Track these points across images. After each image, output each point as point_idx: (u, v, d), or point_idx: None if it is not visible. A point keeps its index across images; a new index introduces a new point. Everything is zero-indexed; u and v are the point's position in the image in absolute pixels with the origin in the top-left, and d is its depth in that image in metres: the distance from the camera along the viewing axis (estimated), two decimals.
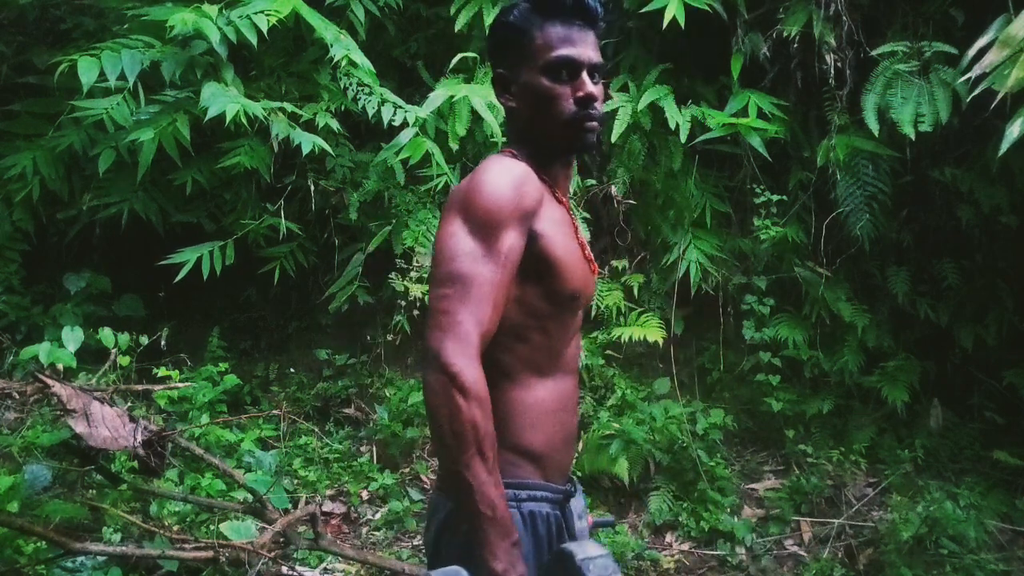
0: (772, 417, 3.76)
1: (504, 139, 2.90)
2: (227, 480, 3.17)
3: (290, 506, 3.15)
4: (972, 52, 3.20)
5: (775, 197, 3.80)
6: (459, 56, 3.66)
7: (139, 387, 3.54)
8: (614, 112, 3.76)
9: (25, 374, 3.51)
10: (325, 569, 3.13)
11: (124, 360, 3.32)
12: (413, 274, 3.72)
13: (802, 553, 3.34)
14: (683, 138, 3.68)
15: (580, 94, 1.31)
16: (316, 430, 3.97)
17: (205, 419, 3.60)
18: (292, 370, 4.43)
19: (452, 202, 1.26)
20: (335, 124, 3.56)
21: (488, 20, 3.61)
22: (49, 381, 2.61)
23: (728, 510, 3.44)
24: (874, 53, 3.56)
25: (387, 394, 4.04)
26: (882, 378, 3.74)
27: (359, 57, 3.48)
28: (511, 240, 1.21)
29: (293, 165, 3.86)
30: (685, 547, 3.39)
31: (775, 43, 3.78)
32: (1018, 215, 3.58)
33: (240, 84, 3.45)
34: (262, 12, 3.23)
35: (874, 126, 3.44)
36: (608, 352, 3.98)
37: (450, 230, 1.21)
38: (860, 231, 3.62)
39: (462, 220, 1.22)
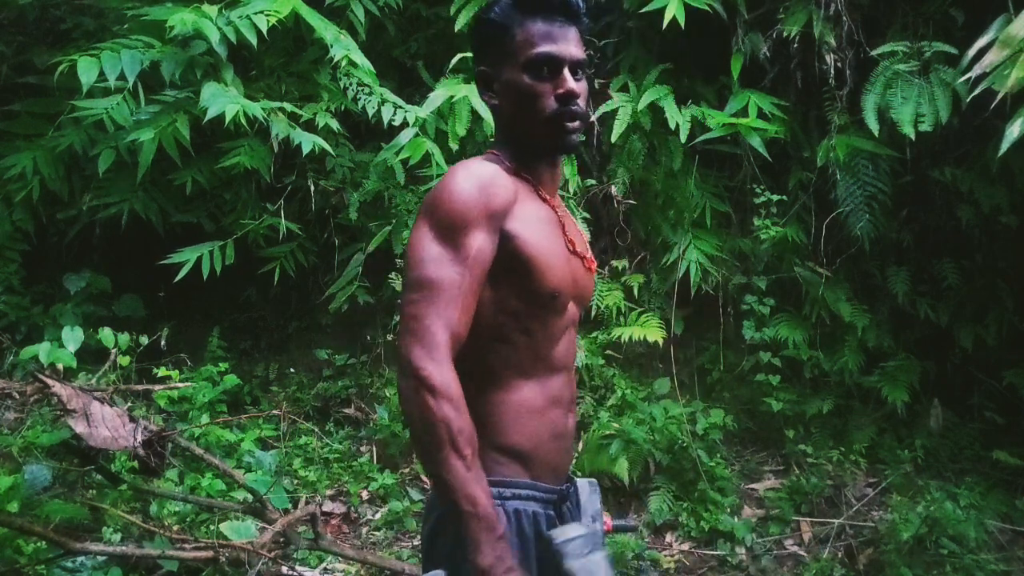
0: (772, 417, 3.76)
1: None
2: (227, 480, 3.17)
3: (290, 506, 3.16)
4: (972, 52, 3.20)
5: (775, 197, 3.79)
6: (459, 56, 3.66)
7: (139, 387, 3.54)
8: (614, 112, 3.76)
9: (25, 374, 3.51)
10: (325, 569, 3.13)
11: (124, 360, 3.32)
12: None
13: (802, 553, 3.34)
14: (683, 138, 3.68)
15: (561, 91, 1.30)
16: (316, 430, 3.97)
17: (205, 419, 3.60)
18: (292, 370, 4.43)
19: (422, 207, 1.27)
20: (335, 124, 3.56)
21: None
22: (49, 381, 2.61)
23: (728, 510, 3.44)
24: (874, 53, 3.56)
25: (387, 394, 4.04)
26: (882, 378, 3.74)
27: (359, 57, 3.47)
28: (478, 242, 1.21)
29: (293, 165, 3.86)
30: (685, 547, 3.39)
31: (775, 43, 3.78)
32: (1018, 215, 3.58)
33: (240, 84, 3.44)
34: (262, 12, 3.23)
35: (874, 126, 3.44)
36: (608, 352, 3.98)
37: (417, 235, 1.22)
38: (860, 231, 3.62)
39: (429, 225, 1.22)
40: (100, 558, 2.68)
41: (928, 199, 3.83)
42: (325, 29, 3.40)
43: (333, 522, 3.53)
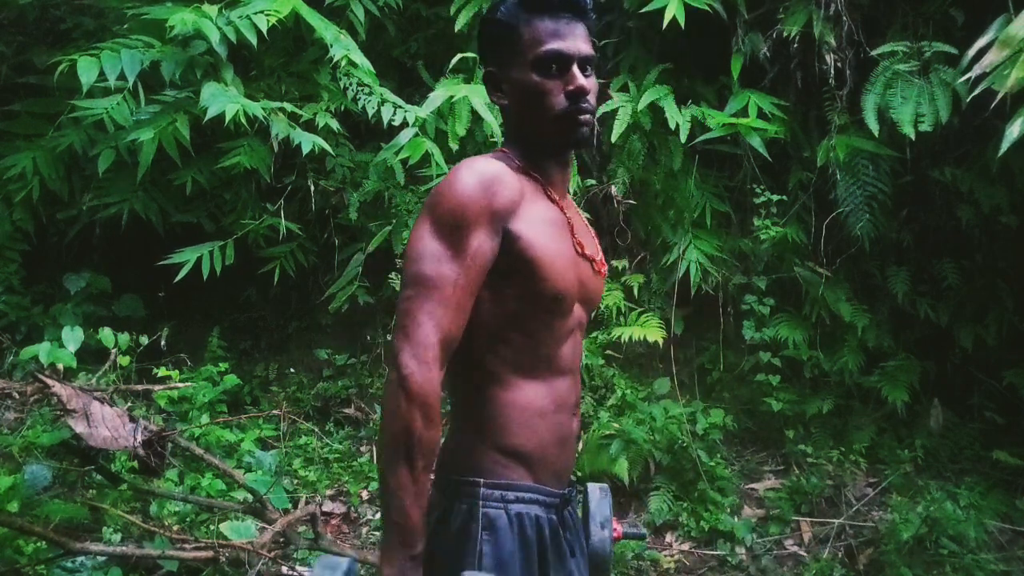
0: (772, 417, 3.76)
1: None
2: (227, 480, 3.17)
3: (290, 506, 3.16)
4: (972, 52, 3.20)
5: (775, 197, 3.79)
6: (459, 56, 3.66)
7: (139, 387, 3.54)
8: (614, 112, 3.76)
9: (25, 374, 3.51)
10: None
11: (124, 360, 3.32)
12: None
13: (802, 553, 3.34)
14: (683, 138, 3.68)
15: (571, 87, 1.29)
16: (316, 430, 3.97)
17: (205, 419, 3.60)
18: (292, 370, 4.43)
19: (425, 204, 1.25)
20: (335, 124, 3.56)
21: None
22: (49, 381, 2.61)
23: (728, 510, 3.44)
24: (874, 53, 3.56)
25: None
26: (882, 378, 3.74)
27: (359, 57, 3.47)
28: (479, 241, 1.19)
29: (293, 165, 3.86)
30: (685, 547, 3.39)
31: (775, 43, 3.78)
32: (1018, 215, 3.58)
33: (240, 84, 3.44)
34: (262, 12, 3.23)
35: (874, 126, 3.44)
36: (608, 352, 3.98)
37: (418, 232, 1.21)
38: (860, 231, 3.62)
39: (430, 221, 1.21)
40: (100, 558, 2.68)
41: (928, 199, 3.83)
42: (325, 29, 3.40)
43: (333, 522, 3.53)
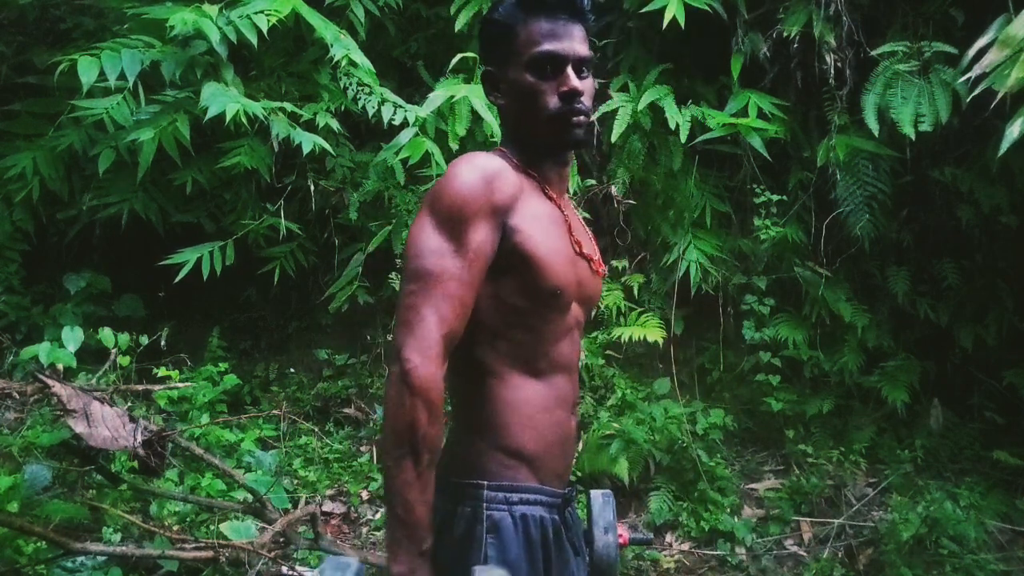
0: (772, 417, 3.76)
1: None
2: (227, 480, 3.17)
3: (290, 506, 3.16)
4: (972, 52, 3.20)
5: (775, 197, 3.79)
6: (459, 56, 3.66)
7: (139, 387, 3.54)
8: (614, 112, 3.76)
9: (25, 374, 3.51)
10: None
11: (124, 360, 3.32)
12: None
13: (802, 553, 3.34)
14: (683, 138, 3.68)
15: (564, 89, 1.29)
16: (316, 430, 3.97)
17: (205, 419, 3.60)
18: (292, 370, 4.43)
19: (425, 199, 1.26)
20: (335, 124, 3.56)
21: None
22: (49, 381, 2.61)
23: (728, 510, 3.44)
24: (874, 53, 3.56)
25: None
26: (882, 378, 3.74)
27: (359, 57, 3.47)
28: (480, 235, 1.20)
29: (293, 165, 3.85)
30: (685, 547, 3.39)
31: (775, 43, 3.78)
32: (1018, 215, 3.58)
33: (240, 84, 3.44)
34: (262, 12, 3.22)
35: (874, 126, 3.44)
36: (608, 352, 3.97)
37: (419, 227, 1.21)
38: (860, 231, 3.62)
39: (430, 216, 1.21)
40: (100, 558, 2.68)
41: (928, 199, 3.83)
42: (325, 29, 3.40)
43: (333, 522, 3.53)
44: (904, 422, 3.75)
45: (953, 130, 3.55)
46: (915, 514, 3.18)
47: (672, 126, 3.67)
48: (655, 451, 3.55)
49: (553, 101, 1.29)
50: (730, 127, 3.71)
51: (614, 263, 4.06)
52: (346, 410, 4.19)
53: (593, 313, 3.84)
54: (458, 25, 3.78)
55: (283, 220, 3.78)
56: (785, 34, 3.67)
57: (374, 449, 3.95)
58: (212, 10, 3.22)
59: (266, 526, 2.82)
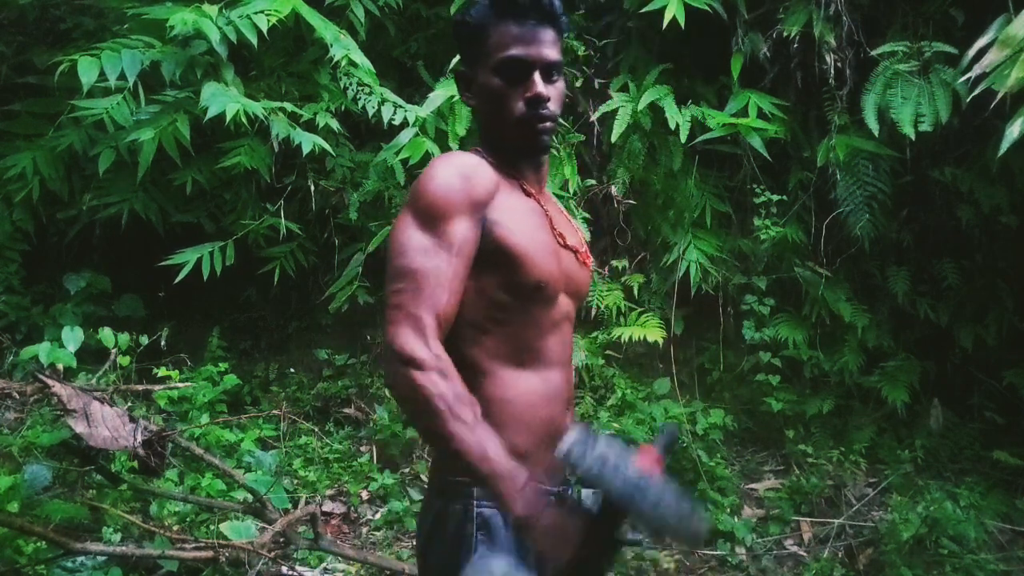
0: (772, 417, 3.76)
1: None
2: (227, 480, 3.17)
3: (290, 506, 3.15)
4: (972, 52, 3.20)
5: (775, 197, 3.79)
6: (459, 56, 3.66)
7: (139, 387, 3.54)
8: (614, 112, 3.76)
9: (25, 374, 3.51)
10: (325, 569, 3.13)
11: (124, 360, 3.32)
12: None
13: (802, 553, 3.34)
14: (683, 138, 3.68)
15: (529, 95, 1.29)
16: (316, 430, 3.97)
17: (205, 419, 3.60)
18: (292, 370, 4.43)
19: (407, 198, 1.26)
20: (335, 124, 3.56)
21: None
22: (49, 381, 2.61)
23: (728, 510, 3.44)
24: (874, 53, 3.56)
25: (387, 394, 4.04)
26: (882, 378, 3.74)
27: (359, 57, 3.48)
28: (462, 230, 1.21)
29: (293, 165, 3.85)
30: (685, 547, 3.39)
31: (775, 43, 3.78)
32: (1018, 215, 3.58)
33: (240, 84, 3.44)
34: (262, 12, 3.23)
35: (874, 126, 3.44)
36: (608, 352, 3.98)
37: (401, 225, 1.23)
38: (860, 231, 3.62)
39: (412, 214, 1.22)
40: (100, 558, 2.68)
41: (928, 199, 3.83)
42: (325, 29, 3.40)
43: (333, 522, 3.53)
44: (904, 422, 3.76)
45: (953, 130, 3.56)
46: (915, 514, 3.18)
47: (672, 126, 3.67)
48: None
49: (519, 106, 1.30)
50: (730, 127, 3.70)
51: (614, 263, 4.06)
52: (346, 410, 4.19)
53: (591, 312, 3.87)
54: None
55: (283, 220, 3.78)
56: (785, 34, 3.67)
57: (374, 449, 3.95)
58: (212, 10, 3.22)
59: (266, 526, 2.82)
